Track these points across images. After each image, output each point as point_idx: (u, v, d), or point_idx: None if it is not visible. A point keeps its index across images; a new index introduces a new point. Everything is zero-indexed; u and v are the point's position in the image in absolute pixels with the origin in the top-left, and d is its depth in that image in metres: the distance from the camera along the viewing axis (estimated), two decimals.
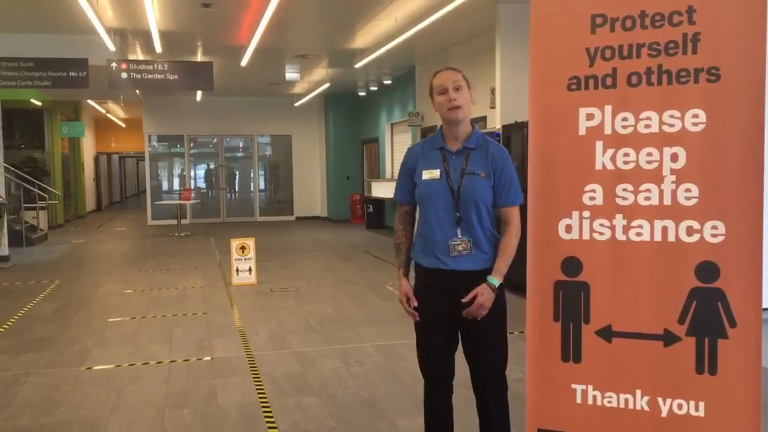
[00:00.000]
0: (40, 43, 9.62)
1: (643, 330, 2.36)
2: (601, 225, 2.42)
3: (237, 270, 7.97)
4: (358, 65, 11.37)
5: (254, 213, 18.23)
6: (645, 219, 2.36)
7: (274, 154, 18.76)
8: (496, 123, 8.43)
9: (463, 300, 2.57)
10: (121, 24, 9.11)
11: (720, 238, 2.26)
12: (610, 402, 2.42)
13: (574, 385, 2.47)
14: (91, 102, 17.33)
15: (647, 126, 2.35)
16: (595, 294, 2.43)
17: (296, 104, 17.22)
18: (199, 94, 15.71)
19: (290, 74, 12.61)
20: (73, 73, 9.46)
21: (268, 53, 10.93)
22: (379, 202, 14.91)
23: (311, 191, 18.26)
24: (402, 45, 9.77)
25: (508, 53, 8.26)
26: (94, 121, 21.73)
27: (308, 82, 14.51)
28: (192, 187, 17.56)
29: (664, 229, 2.33)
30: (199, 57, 11.46)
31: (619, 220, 2.39)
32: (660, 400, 2.35)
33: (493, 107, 9.00)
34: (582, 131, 2.43)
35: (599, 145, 2.41)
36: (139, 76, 9.74)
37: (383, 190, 14.39)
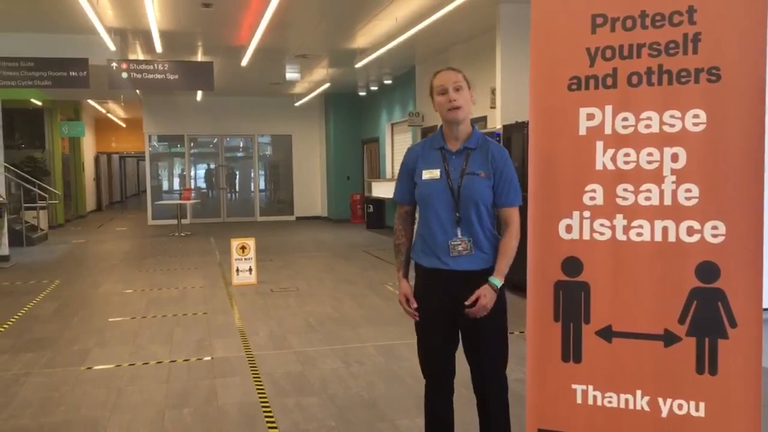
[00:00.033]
0: (41, 43, 9.62)
1: (644, 330, 2.36)
2: (602, 225, 2.42)
3: (237, 270, 7.97)
4: (359, 65, 11.37)
5: (254, 213, 18.23)
6: (645, 219, 2.36)
7: (275, 154, 18.76)
8: (496, 123, 8.43)
9: (467, 303, 2.57)
10: (122, 24, 9.12)
11: (720, 239, 2.26)
12: (610, 402, 2.42)
13: (574, 385, 2.47)
14: (91, 102, 17.34)
15: (648, 126, 2.35)
16: (596, 294, 2.43)
17: (296, 104, 17.22)
18: (199, 94, 15.72)
19: (290, 74, 12.61)
20: (73, 73, 9.47)
21: (268, 53, 10.93)
22: (380, 202, 14.91)
23: (311, 191, 18.26)
24: (402, 45, 9.77)
25: (508, 53, 8.26)
26: (95, 120, 21.73)
27: (308, 82, 14.51)
28: (192, 187, 17.57)
29: (665, 229, 2.33)
30: (200, 57, 11.46)
31: (620, 220, 2.39)
32: (660, 400, 2.35)
33: (493, 107, 9.00)
34: (582, 131, 2.43)
35: (599, 145, 2.41)
36: (139, 75, 9.74)
37: (383, 190, 14.39)
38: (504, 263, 2.63)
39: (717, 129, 2.26)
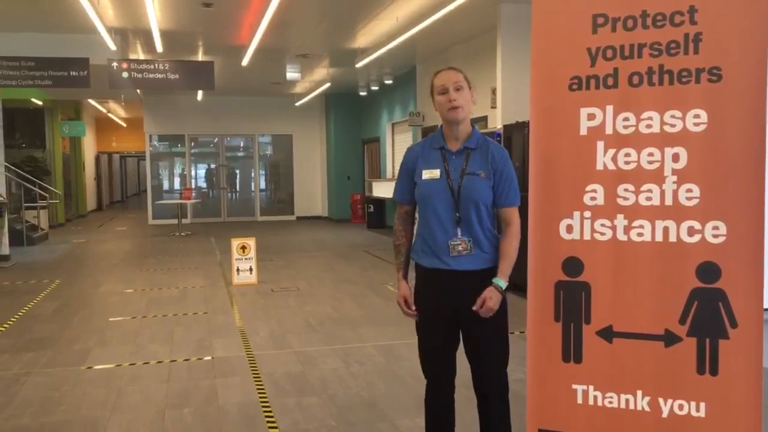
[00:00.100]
0: (41, 43, 9.62)
1: (644, 330, 2.36)
2: (602, 225, 2.42)
3: (237, 270, 7.97)
4: (359, 65, 11.36)
5: (255, 213, 18.23)
6: (646, 219, 2.35)
7: (275, 154, 18.77)
8: (497, 123, 8.43)
9: (474, 308, 2.57)
10: (122, 23, 9.12)
11: (721, 239, 2.26)
12: (610, 402, 2.42)
13: (574, 386, 2.46)
14: (92, 101, 17.35)
15: (648, 126, 2.34)
16: (596, 294, 2.43)
17: (297, 104, 17.22)
18: (200, 94, 15.72)
19: (291, 74, 12.62)
20: (74, 73, 9.47)
21: (268, 53, 10.93)
22: (380, 202, 14.91)
23: (312, 191, 18.26)
24: (403, 45, 9.76)
25: (509, 53, 8.26)
26: (95, 120, 21.73)
27: (309, 81, 14.51)
28: (193, 186, 17.57)
29: (665, 230, 2.33)
30: (200, 56, 11.46)
31: (620, 221, 2.39)
32: (661, 400, 2.35)
33: (494, 107, 9.00)
34: (583, 131, 2.43)
35: (600, 145, 2.41)
36: (140, 75, 9.74)
37: (384, 189, 14.38)
38: (507, 264, 2.63)
39: (718, 129, 2.26)
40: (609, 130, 2.40)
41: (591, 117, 2.42)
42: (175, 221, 15.19)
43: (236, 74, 13.10)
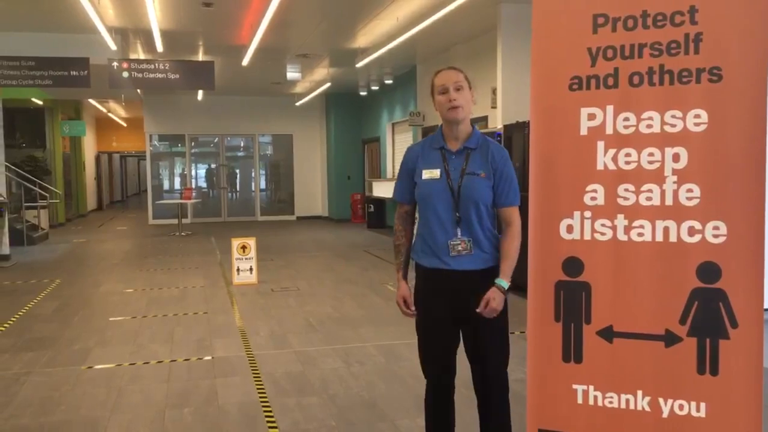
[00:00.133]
0: (42, 42, 9.62)
1: (645, 330, 2.36)
2: (603, 225, 2.42)
3: (238, 269, 7.97)
4: (360, 65, 11.36)
5: (255, 212, 18.23)
6: (646, 219, 2.35)
7: (275, 154, 18.76)
8: (497, 123, 8.43)
9: (477, 310, 2.57)
10: (123, 23, 9.12)
11: (721, 239, 2.26)
12: (611, 402, 2.42)
13: (575, 386, 2.46)
14: (92, 101, 17.35)
15: (649, 126, 2.34)
16: (597, 294, 2.43)
17: (297, 104, 17.22)
18: (200, 94, 15.72)
19: (291, 74, 12.62)
20: (74, 72, 9.47)
21: (269, 53, 10.93)
22: (380, 202, 14.91)
23: (312, 191, 18.26)
24: (403, 44, 9.76)
25: (509, 53, 8.26)
26: (95, 120, 21.73)
27: (309, 81, 14.51)
28: (193, 186, 17.58)
29: (666, 230, 2.33)
30: (201, 56, 11.46)
31: (621, 221, 2.39)
32: (661, 400, 2.35)
33: (494, 107, 9.00)
34: (583, 131, 2.43)
35: (601, 145, 2.41)
36: (140, 75, 9.74)
37: (384, 189, 14.38)
38: (508, 264, 2.63)
39: (718, 129, 2.26)
40: (609, 130, 2.40)
41: (591, 117, 2.42)
42: (175, 221, 15.19)
43: (236, 74, 13.10)
